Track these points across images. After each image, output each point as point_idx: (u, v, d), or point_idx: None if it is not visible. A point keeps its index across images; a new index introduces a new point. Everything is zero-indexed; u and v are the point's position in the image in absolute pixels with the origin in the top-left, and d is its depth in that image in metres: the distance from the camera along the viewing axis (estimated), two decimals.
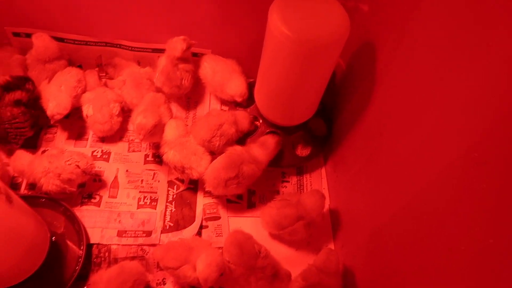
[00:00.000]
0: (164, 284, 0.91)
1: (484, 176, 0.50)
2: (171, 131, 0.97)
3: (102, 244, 0.93)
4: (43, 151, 1.04)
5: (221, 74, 1.10)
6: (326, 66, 0.85)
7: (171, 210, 1.00)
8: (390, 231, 0.75)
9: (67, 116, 1.06)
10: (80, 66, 1.16)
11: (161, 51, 1.12)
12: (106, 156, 1.06)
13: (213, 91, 1.15)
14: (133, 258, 0.93)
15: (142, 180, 1.04)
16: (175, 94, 1.12)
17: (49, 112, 0.99)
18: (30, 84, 1.02)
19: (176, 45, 1.03)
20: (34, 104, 1.01)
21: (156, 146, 1.00)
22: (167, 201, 1.01)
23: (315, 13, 0.80)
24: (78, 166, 0.91)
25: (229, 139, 1.01)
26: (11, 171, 0.99)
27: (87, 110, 1.03)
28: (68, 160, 0.91)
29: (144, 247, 0.95)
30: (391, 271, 0.74)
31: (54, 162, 0.91)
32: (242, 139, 1.06)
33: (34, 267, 0.80)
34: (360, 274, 0.88)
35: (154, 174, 1.05)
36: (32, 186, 0.98)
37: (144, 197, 1.01)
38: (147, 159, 1.07)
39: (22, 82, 1.00)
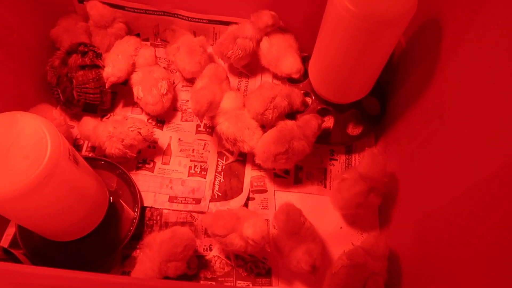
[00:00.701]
0: (211, 250, 0.95)
1: None
2: (229, 101, 0.98)
3: (154, 208, 0.98)
4: (103, 116, 1.09)
5: (276, 49, 1.09)
6: (388, 43, 0.82)
7: (220, 180, 1.03)
8: (442, 218, 0.73)
9: (124, 83, 1.10)
10: (138, 35, 1.19)
11: (217, 22, 1.12)
12: (160, 124, 1.10)
13: (267, 64, 1.14)
14: (183, 223, 0.97)
15: (193, 150, 1.07)
16: (238, 64, 1.14)
17: (105, 74, 1.03)
18: (92, 48, 1.05)
19: (263, 18, 1.04)
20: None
21: (210, 117, 1.02)
22: (216, 171, 1.04)
23: None
24: (139, 133, 0.95)
25: (281, 112, 1.00)
26: (74, 133, 1.06)
27: (138, 92, 1.05)
28: (131, 126, 0.95)
29: (193, 213, 0.99)
30: (439, 259, 0.73)
31: (118, 127, 0.95)
32: (292, 113, 1.05)
33: (94, 224, 0.87)
34: (404, 258, 0.87)
35: (205, 144, 1.08)
36: (92, 148, 1.05)
37: (195, 166, 1.05)
38: (199, 129, 1.10)
39: (86, 47, 1.04)
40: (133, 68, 1.08)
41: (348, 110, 1.05)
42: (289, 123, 0.96)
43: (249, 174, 1.04)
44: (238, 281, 0.92)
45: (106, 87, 1.05)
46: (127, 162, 1.02)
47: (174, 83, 1.14)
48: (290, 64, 1.07)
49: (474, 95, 0.67)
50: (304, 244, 0.83)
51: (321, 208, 1.01)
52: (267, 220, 0.97)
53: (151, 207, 0.98)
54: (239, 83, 1.18)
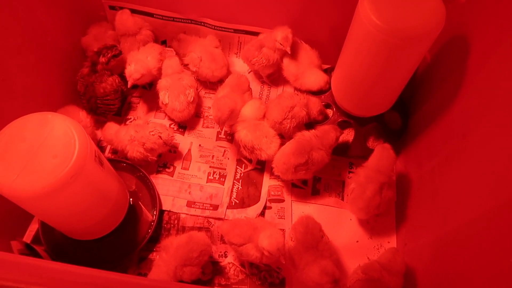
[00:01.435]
0: (226, 256, 0.96)
1: None
2: (251, 110, 0.99)
3: (172, 211, 1.00)
4: (127, 120, 1.12)
5: (297, 65, 1.11)
6: (413, 59, 0.82)
7: (238, 188, 1.04)
8: (461, 238, 0.72)
9: (149, 88, 1.12)
10: (164, 42, 1.22)
11: (242, 32, 1.13)
12: (182, 130, 1.12)
13: (288, 77, 1.15)
14: (199, 228, 0.98)
15: (213, 156, 1.08)
16: (263, 72, 1.16)
17: (127, 72, 1.05)
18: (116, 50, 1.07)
19: (280, 33, 1.06)
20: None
21: (230, 125, 1.03)
22: (234, 179, 1.05)
23: (407, 2, 0.76)
24: (160, 137, 0.98)
25: (299, 122, 1.01)
26: (98, 135, 1.09)
27: (163, 98, 1.06)
28: (152, 131, 0.97)
29: (210, 219, 1.00)
30: (456, 279, 0.71)
31: (139, 131, 0.98)
32: (311, 123, 1.06)
33: (114, 224, 0.89)
34: (421, 275, 0.85)
35: (225, 151, 1.09)
36: (114, 151, 1.07)
37: (214, 172, 1.06)
38: (219, 136, 1.11)
39: (110, 50, 1.05)
40: (158, 72, 1.11)
41: (369, 123, 1.04)
42: (307, 134, 0.96)
43: (267, 183, 1.05)
44: None
45: (128, 86, 1.06)
46: (148, 165, 1.04)
47: (197, 88, 1.16)
48: (315, 79, 1.09)
49: (500, 115, 0.66)
50: (321, 261, 0.82)
51: (337, 221, 1.00)
52: (283, 230, 0.97)
53: (169, 211, 1.00)
54: (261, 92, 1.19)
